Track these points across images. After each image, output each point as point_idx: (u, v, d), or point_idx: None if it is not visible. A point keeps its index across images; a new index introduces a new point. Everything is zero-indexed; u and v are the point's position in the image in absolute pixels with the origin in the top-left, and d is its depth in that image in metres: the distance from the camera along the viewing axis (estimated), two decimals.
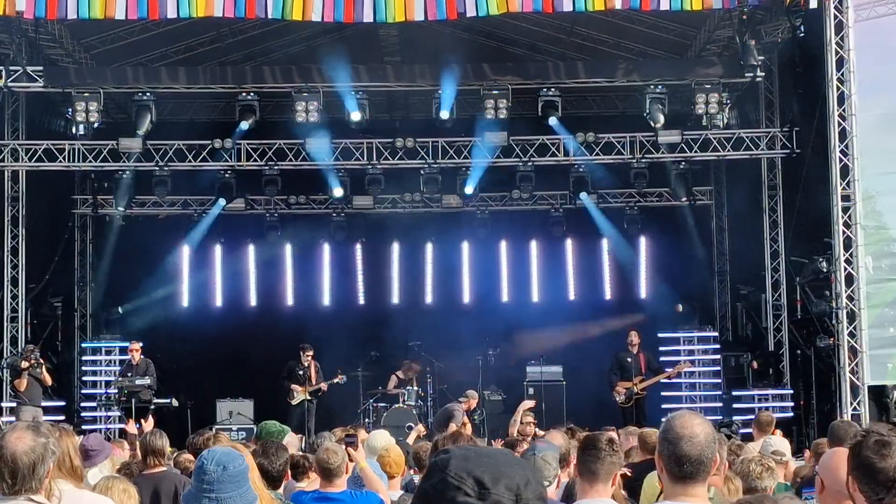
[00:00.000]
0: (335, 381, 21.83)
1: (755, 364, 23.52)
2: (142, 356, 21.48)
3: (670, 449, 4.63)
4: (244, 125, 22.11)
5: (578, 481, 6.18)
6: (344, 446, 8.78)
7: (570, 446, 8.15)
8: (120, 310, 25.42)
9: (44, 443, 4.93)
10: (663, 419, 4.79)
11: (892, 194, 18.73)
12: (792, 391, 22.50)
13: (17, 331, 23.27)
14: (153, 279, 25.56)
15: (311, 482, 9.07)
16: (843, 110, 18.32)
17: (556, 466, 6.88)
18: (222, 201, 24.25)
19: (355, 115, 22.01)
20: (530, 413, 15.86)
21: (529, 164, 23.43)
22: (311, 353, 22.07)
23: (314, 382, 21.80)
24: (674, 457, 4.62)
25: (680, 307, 25.20)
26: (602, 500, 5.86)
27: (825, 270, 19.61)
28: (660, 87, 21.68)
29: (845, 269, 18.35)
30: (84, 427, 22.61)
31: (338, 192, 24.07)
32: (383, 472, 9.25)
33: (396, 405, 21.43)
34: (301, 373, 21.89)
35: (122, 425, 21.06)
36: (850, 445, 4.86)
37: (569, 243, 26.02)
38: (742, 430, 21.63)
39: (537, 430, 15.11)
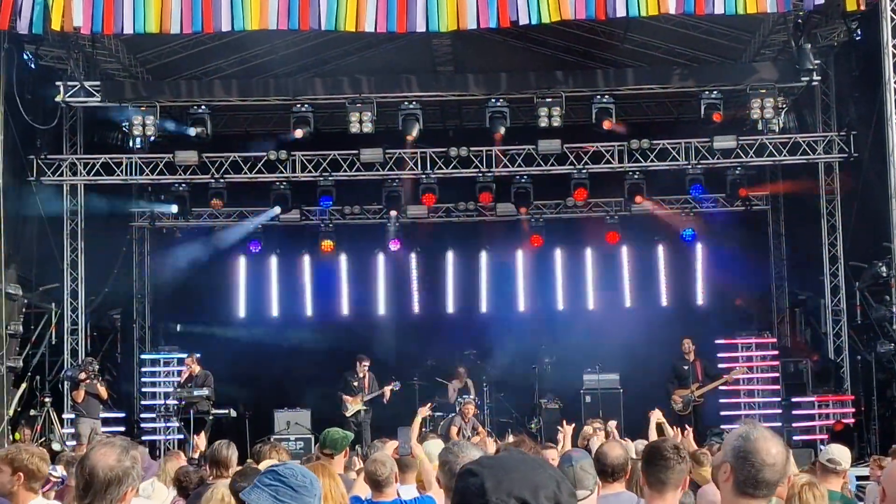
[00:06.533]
0: (390, 387, 21.78)
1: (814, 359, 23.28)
2: (200, 367, 21.62)
3: (751, 472, 4.53)
4: (298, 136, 22.16)
5: (647, 491, 6.13)
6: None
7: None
8: (178, 327, 25.65)
9: (127, 466, 4.86)
10: (737, 432, 4.57)
11: None
12: (853, 397, 22.25)
13: (77, 343, 23.50)
14: (210, 290, 25.75)
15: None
16: None
17: (594, 475, 6.76)
18: (277, 209, 24.30)
19: (410, 137, 22.07)
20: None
21: (584, 171, 23.35)
22: (367, 363, 22.05)
23: (367, 393, 21.78)
24: (752, 480, 4.52)
25: (739, 300, 25.07)
26: None
27: (885, 275, 19.39)
28: (715, 92, 21.52)
29: None
30: (143, 438, 22.82)
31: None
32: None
33: (452, 414, 21.36)
34: (356, 384, 21.89)
35: (181, 436, 21.24)
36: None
37: (624, 250, 25.88)
38: (800, 437, 21.45)
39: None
